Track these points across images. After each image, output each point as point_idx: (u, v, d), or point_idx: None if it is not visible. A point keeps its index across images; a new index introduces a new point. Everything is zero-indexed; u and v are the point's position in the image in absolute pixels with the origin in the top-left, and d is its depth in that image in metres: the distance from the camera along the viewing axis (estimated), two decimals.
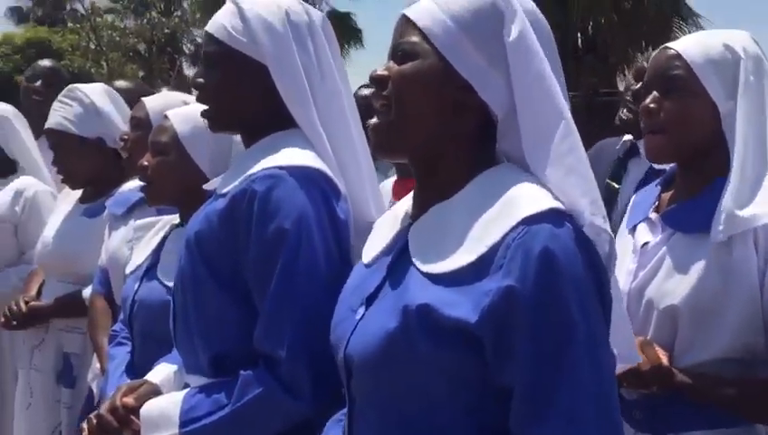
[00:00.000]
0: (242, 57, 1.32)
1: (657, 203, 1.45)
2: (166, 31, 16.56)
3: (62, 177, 2.43)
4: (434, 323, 0.96)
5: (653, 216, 1.42)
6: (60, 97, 2.41)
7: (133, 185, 2.32)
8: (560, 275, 0.92)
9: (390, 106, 1.05)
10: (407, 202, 1.14)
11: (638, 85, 2.00)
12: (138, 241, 1.94)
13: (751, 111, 1.32)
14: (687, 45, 1.38)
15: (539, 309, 0.92)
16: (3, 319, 2.37)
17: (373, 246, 1.15)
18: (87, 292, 2.32)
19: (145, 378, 1.49)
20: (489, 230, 0.97)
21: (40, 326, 2.38)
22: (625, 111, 2.17)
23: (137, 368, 1.76)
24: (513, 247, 0.94)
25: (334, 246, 1.25)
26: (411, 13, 1.06)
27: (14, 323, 2.36)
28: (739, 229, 1.28)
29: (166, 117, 1.78)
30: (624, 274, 1.36)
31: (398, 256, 1.07)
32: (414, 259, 1.03)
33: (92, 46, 15.24)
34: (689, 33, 16.03)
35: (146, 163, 1.76)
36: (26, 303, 2.37)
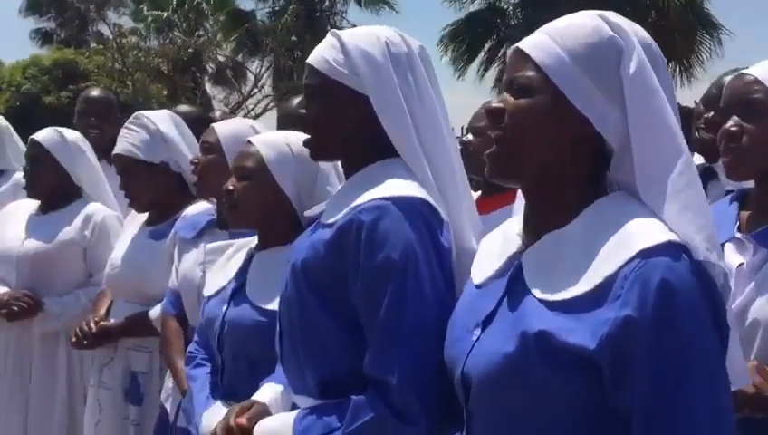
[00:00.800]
0: (343, 88, 1.37)
1: (737, 222, 1.48)
2: (190, 51, 16.76)
3: (129, 200, 2.50)
4: (552, 348, 1.00)
5: (740, 235, 1.44)
6: (127, 123, 2.50)
7: (198, 208, 2.40)
8: (677, 306, 0.95)
9: (507, 138, 1.09)
10: (515, 224, 1.18)
11: (711, 114, 2.04)
12: (211, 264, 1.98)
13: None
14: (763, 71, 1.44)
15: (657, 339, 0.95)
16: (74, 339, 2.44)
17: (484, 266, 1.19)
18: (154, 312, 2.39)
19: (253, 398, 1.53)
20: (605, 261, 1.00)
21: (109, 345, 2.45)
22: (698, 134, 2.21)
23: (226, 388, 1.80)
24: (632, 279, 0.97)
25: (439, 274, 1.28)
26: (527, 47, 1.09)
27: (85, 342, 2.42)
28: None
29: (250, 142, 1.83)
30: None
31: (513, 281, 1.11)
32: (530, 285, 1.07)
33: (118, 66, 15.44)
34: (714, 45, 15.90)
35: (231, 187, 1.81)
36: (96, 323, 2.43)
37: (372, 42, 1.37)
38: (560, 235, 1.08)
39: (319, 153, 1.45)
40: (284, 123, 2.97)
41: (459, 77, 16.32)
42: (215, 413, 1.73)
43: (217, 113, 3.77)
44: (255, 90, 15.86)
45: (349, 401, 1.27)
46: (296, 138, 1.79)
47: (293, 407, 1.41)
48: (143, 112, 2.53)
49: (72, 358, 2.66)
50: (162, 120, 2.50)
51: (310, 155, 1.46)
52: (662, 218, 1.03)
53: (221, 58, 19.43)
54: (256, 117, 15.93)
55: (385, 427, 1.24)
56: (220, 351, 1.82)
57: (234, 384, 1.78)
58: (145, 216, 2.54)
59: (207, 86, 19.37)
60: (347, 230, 1.30)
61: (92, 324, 2.42)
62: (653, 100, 1.04)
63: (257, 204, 1.79)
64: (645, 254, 0.98)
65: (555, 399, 1.01)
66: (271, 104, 16.07)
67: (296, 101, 3.17)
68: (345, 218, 1.32)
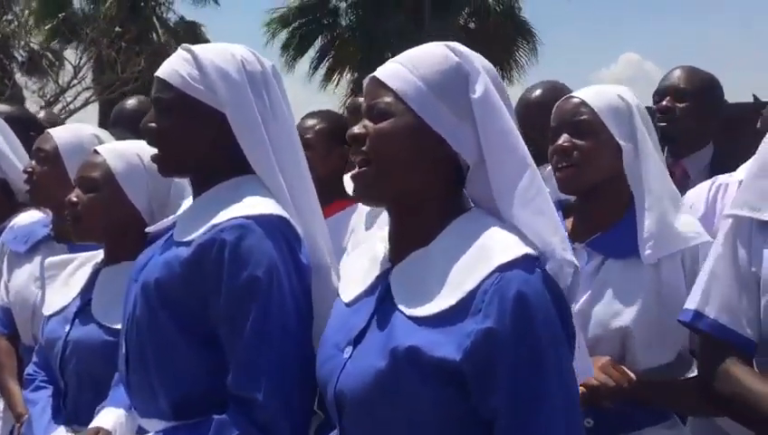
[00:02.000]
0: (197, 104, 1.34)
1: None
2: None
3: None
4: (421, 362, 1.06)
5: (574, 245, 1.55)
6: None
7: (28, 218, 2.24)
8: (533, 315, 1.04)
9: (370, 161, 1.14)
10: (380, 243, 1.23)
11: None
12: (51, 280, 1.87)
13: (649, 151, 1.56)
14: (589, 95, 1.59)
15: (517, 347, 1.03)
16: None
17: (352, 285, 1.23)
18: None
19: (95, 425, 1.47)
20: (467, 276, 1.08)
21: None
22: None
23: (69, 412, 1.72)
24: (491, 293, 1.05)
25: (300, 292, 1.30)
26: (383, 76, 1.17)
27: None
28: (668, 251, 1.49)
29: (96, 152, 1.74)
30: None
31: (382, 299, 1.16)
32: (397, 302, 1.13)
33: None
34: (530, 52, 17.07)
35: (75, 199, 1.71)
36: None
37: (228, 59, 1.36)
38: (424, 253, 1.14)
39: (169, 169, 1.41)
40: (118, 124, 2.85)
41: (288, 72, 16.35)
42: None
43: (39, 112, 3.51)
44: (75, 81, 14.82)
45: (210, 420, 1.26)
46: (146, 149, 1.71)
47: (140, 430, 1.37)
48: None
49: None
50: None
51: (159, 170, 1.41)
52: (517, 230, 1.12)
53: (34, 46, 17.99)
54: (76, 110, 14.93)
55: None
56: (62, 373, 1.73)
57: (78, 408, 1.70)
58: None
59: (18, 76, 17.85)
60: (208, 249, 1.28)
61: None
62: (499, 118, 1.14)
63: (104, 217, 1.71)
64: (502, 268, 1.06)
65: (425, 410, 1.07)
66: (92, 97, 15.11)
67: (130, 101, 3.05)
68: (205, 237, 1.29)
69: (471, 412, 1.07)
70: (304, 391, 1.25)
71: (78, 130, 2.08)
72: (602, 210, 1.58)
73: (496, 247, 1.09)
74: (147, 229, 1.54)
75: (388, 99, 1.14)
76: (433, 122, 1.13)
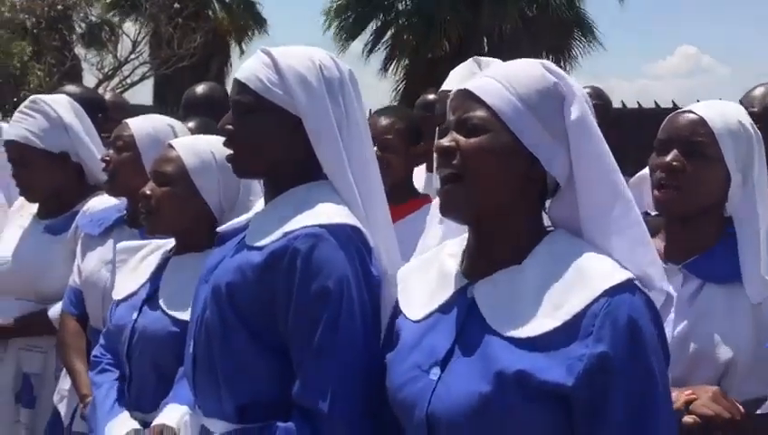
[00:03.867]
0: (275, 108, 1.35)
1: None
2: (59, 8, 15.67)
3: (21, 190, 2.35)
4: (530, 386, 1.05)
5: (668, 266, 1.49)
6: (22, 108, 2.33)
7: (102, 203, 2.28)
8: (644, 340, 1.06)
9: (461, 176, 1.13)
10: (449, 257, 1.22)
11: None
12: (122, 265, 1.92)
13: (760, 182, 1.48)
14: (710, 114, 1.48)
15: (631, 371, 1.05)
16: None
17: (420, 301, 1.21)
18: (54, 311, 2.26)
19: (160, 422, 1.50)
20: (568, 298, 1.08)
21: None
22: None
23: (132, 396, 1.76)
24: (602, 317, 1.05)
25: (369, 304, 1.29)
26: (477, 90, 1.15)
27: None
28: None
29: (171, 146, 1.78)
30: None
31: (466, 317, 1.14)
32: (491, 323, 1.11)
33: None
34: (587, 45, 16.65)
35: (149, 192, 1.75)
36: None
37: (307, 65, 1.36)
38: (514, 271, 1.13)
39: (244, 171, 1.42)
40: (190, 111, 2.90)
41: (340, 53, 16.34)
42: (119, 425, 1.70)
43: (90, 82, 3.57)
44: (132, 56, 15.08)
45: (274, 427, 1.27)
46: (220, 145, 1.74)
47: (203, 429, 1.38)
48: (41, 97, 2.36)
49: None
50: (63, 106, 2.34)
51: (234, 171, 1.42)
52: (609, 255, 1.12)
53: (93, 18, 18.30)
54: (133, 84, 15.19)
55: None
56: (129, 359, 1.77)
57: (141, 394, 1.75)
58: (34, 206, 2.39)
59: (78, 48, 18.21)
60: (279, 256, 1.28)
61: None
62: (594, 142, 1.13)
63: (176, 211, 1.75)
64: (610, 292, 1.06)
65: (530, 433, 1.07)
66: (149, 72, 15.35)
67: (200, 88, 3.09)
68: (277, 244, 1.30)
69: (573, 433, 1.07)
70: (370, 404, 1.25)
71: (155, 121, 2.11)
72: (698, 233, 1.50)
73: (598, 271, 1.09)
74: (217, 229, 1.56)
75: (482, 114, 1.13)
76: (529, 142, 1.12)
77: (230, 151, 1.41)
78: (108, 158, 2.10)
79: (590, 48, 16.02)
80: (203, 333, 1.37)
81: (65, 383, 2.19)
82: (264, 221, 1.37)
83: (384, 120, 2.28)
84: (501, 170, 1.13)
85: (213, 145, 1.77)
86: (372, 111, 2.46)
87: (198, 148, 1.77)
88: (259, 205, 1.47)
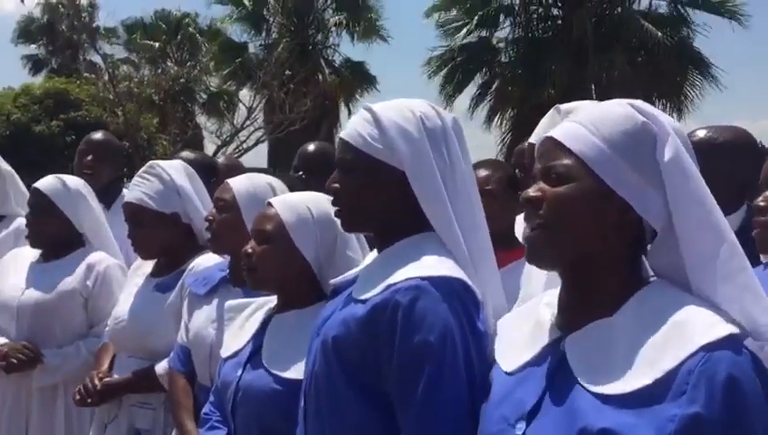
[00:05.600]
0: (379, 164, 1.35)
1: None
2: (182, 81, 16.78)
3: (135, 248, 2.45)
4: None
5: None
6: (141, 172, 2.46)
7: (208, 261, 2.35)
8: (746, 404, 0.96)
9: (547, 225, 1.08)
10: (544, 308, 1.16)
11: None
12: (229, 322, 1.94)
13: None
14: None
15: None
16: (78, 396, 2.36)
17: (514, 351, 1.16)
18: (160, 367, 2.32)
19: None
20: (663, 354, 0.99)
21: (112, 402, 2.37)
22: None
23: None
24: (697, 374, 0.96)
25: (476, 359, 1.25)
26: (560, 136, 1.10)
27: (89, 400, 2.35)
28: None
29: (270, 204, 1.80)
30: None
31: (556, 371, 1.08)
32: (579, 377, 1.04)
33: (109, 96, 15.42)
34: (703, 84, 16.00)
35: (250, 250, 1.78)
36: (100, 379, 2.36)
37: (407, 117, 1.36)
38: (607, 324, 1.06)
39: (351, 226, 1.44)
40: (302, 167, 2.97)
41: (447, 107, 16.48)
42: None
43: (210, 149, 3.72)
44: (248, 122, 15.86)
45: None
46: (316, 200, 1.76)
47: None
48: (158, 162, 2.51)
49: (71, 413, 2.57)
50: (176, 170, 2.47)
51: (342, 226, 1.44)
52: (715, 305, 1.02)
53: (213, 89, 19.45)
54: (248, 149, 15.92)
55: None
56: (233, 416, 1.78)
57: None
58: (149, 265, 2.49)
59: (198, 117, 19.36)
60: (382, 310, 1.27)
61: (96, 381, 2.35)
62: (692, 183, 1.06)
63: (277, 268, 1.76)
64: (708, 348, 0.97)
65: None
66: (263, 136, 16.06)
67: (312, 146, 3.17)
68: (380, 297, 1.29)
69: None
70: None
71: (255, 180, 2.17)
72: None
73: (697, 324, 0.99)
74: (331, 281, 1.57)
75: (567, 161, 1.08)
76: (617, 186, 1.06)
77: (336, 208, 1.42)
78: (211, 217, 2.16)
79: (709, 88, 15.39)
80: (312, 386, 1.37)
81: None
82: (371, 274, 1.37)
83: (481, 172, 2.32)
84: (589, 218, 1.06)
85: (309, 201, 1.79)
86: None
87: (296, 204, 1.78)
88: (370, 258, 1.47)
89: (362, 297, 1.33)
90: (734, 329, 1.00)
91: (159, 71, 18.00)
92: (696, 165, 1.09)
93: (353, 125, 1.40)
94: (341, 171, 1.40)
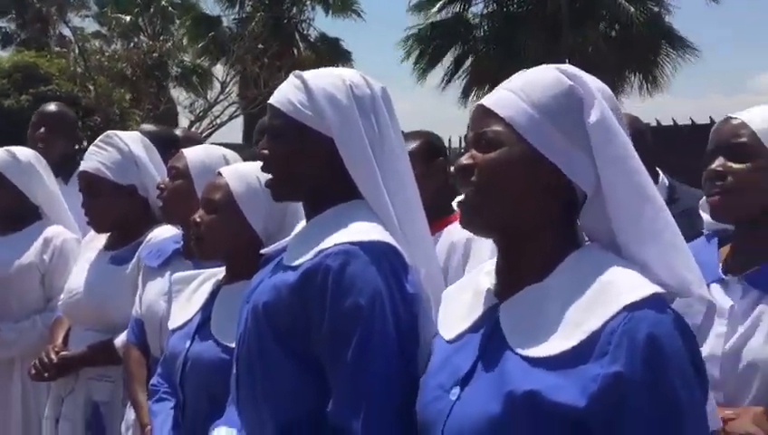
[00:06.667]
0: (308, 130, 1.35)
1: (720, 263, 1.48)
2: (154, 55, 16.53)
3: (89, 219, 2.42)
4: (541, 408, 0.99)
5: (728, 277, 1.44)
6: (97, 142, 2.42)
7: (163, 233, 2.34)
8: (666, 360, 0.96)
9: (478, 191, 1.09)
10: (485, 276, 1.17)
11: None
12: (177, 294, 1.94)
13: None
14: (749, 116, 1.47)
15: (649, 395, 0.95)
16: (34, 371, 2.35)
17: (454, 321, 1.17)
18: (119, 340, 2.31)
19: None
20: (588, 315, 1.00)
21: (69, 375, 2.36)
22: None
23: (187, 426, 1.77)
24: (619, 334, 0.97)
25: (405, 321, 1.26)
26: (490, 103, 1.11)
27: (46, 374, 2.33)
28: None
29: (219, 174, 1.79)
30: (713, 337, 1.38)
31: (490, 336, 1.09)
32: (510, 341, 1.06)
33: (80, 71, 15.15)
34: (677, 59, 16.11)
35: (198, 219, 1.77)
36: (57, 353, 2.34)
37: (337, 84, 1.36)
38: (538, 289, 1.07)
39: (281, 194, 1.43)
40: (262, 137, 2.95)
41: (419, 81, 16.43)
42: None
43: (184, 124, 3.69)
44: (222, 97, 15.69)
45: None
46: None
47: None
48: (115, 132, 2.46)
49: (27, 387, 2.56)
50: (134, 141, 2.43)
51: (272, 195, 1.43)
52: (642, 266, 1.03)
53: (186, 63, 19.18)
54: (222, 124, 15.77)
55: None
56: (182, 387, 1.78)
57: (195, 422, 1.75)
58: (103, 238, 2.46)
59: (172, 91, 19.10)
60: (312, 274, 1.28)
61: (53, 355, 2.33)
62: (617, 144, 1.06)
63: (224, 238, 1.76)
64: (630, 308, 0.98)
65: None
66: (237, 111, 15.92)
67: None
68: (311, 262, 1.29)
69: None
70: (406, 423, 1.20)
71: (209, 151, 2.16)
72: (761, 241, 1.43)
73: (622, 286, 1.01)
74: (262, 251, 1.57)
75: (497, 127, 1.08)
76: (547, 150, 1.06)
77: (269, 176, 1.41)
78: (163, 185, 2.14)
79: (682, 63, 15.45)
80: (244, 353, 1.38)
81: (131, 413, 2.22)
82: (301, 241, 1.37)
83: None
84: (518, 183, 1.07)
85: (259, 171, 1.76)
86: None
87: (245, 174, 1.78)
88: (300, 226, 1.47)
89: (293, 263, 1.33)
90: (657, 289, 1.01)
91: (131, 45, 17.72)
92: (624, 128, 1.09)
93: (283, 91, 1.38)
94: (270, 137, 1.39)
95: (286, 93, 1.38)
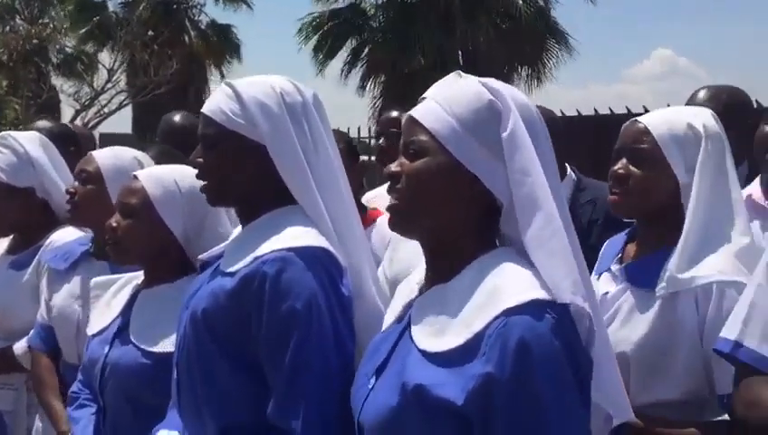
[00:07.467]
0: (239, 138, 1.38)
1: (621, 255, 1.63)
2: (34, 41, 15.63)
3: None
4: (427, 402, 1.07)
5: (615, 267, 1.59)
6: None
7: (66, 236, 2.28)
8: (534, 363, 1.02)
9: (404, 197, 1.17)
10: (418, 274, 1.25)
11: None
12: (96, 300, 1.90)
13: (705, 186, 1.51)
14: (655, 122, 1.55)
15: (513, 397, 1.03)
16: None
17: (390, 312, 1.26)
18: (19, 347, 2.24)
19: None
20: (477, 316, 1.08)
21: None
22: None
23: (108, 430, 1.75)
24: (494, 336, 1.05)
25: (341, 323, 1.32)
26: (418, 114, 1.18)
27: None
28: (680, 288, 1.47)
29: (135, 178, 1.77)
30: None
31: (403, 330, 1.19)
32: (413, 336, 1.15)
33: None
34: (560, 52, 16.75)
35: (114, 224, 1.75)
36: None
37: (268, 92, 1.39)
38: (443, 288, 1.16)
39: (216, 200, 1.46)
40: (167, 139, 2.91)
41: (319, 71, 16.38)
42: None
43: (67, 112, 3.56)
44: (109, 85, 15.05)
45: None
46: (184, 174, 1.75)
47: None
48: (10, 133, 2.38)
49: None
50: (31, 142, 2.35)
51: (208, 201, 1.46)
52: (536, 270, 1.10)
53: (69, 49, 18.25)
54: (110, 113, 15.15)
55: None
56: (102, 393, 1.77)
57: (116, 427, 1.74)
58: (3, 243, 2.38)
59: (54, 79, 18.14)
60: (250, 281, 1.31)
61: None
62: (522, 155, 1.12)
63: (142, 242, 1.75)
64: (508, 312, 1.05)
65: None
66: (126, 100, 15.33)
67: (177, 116, 3.10)
68: (248, 269, 1.33)
69: None
70: (345, 423, 1.26)
71: (120, 153, 2.12)
72: (653, 237, 1.56)
73: (506, 290, 1.09)
74: (199, 256, 1.58)
75: (423, 137, 1.16)
76: (466, 161, 1.14)
77: (203, 183, 1.44)
78: (73, 190, 2.09)
79: (566, 56, 16.16)
80: (184, 358, 1.40)
81: (39, 421, 2.17)
82: (237, 247, 1.40)
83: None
84: (440, 190, 1.15)
85: (177, 174, 1.77)
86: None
87: (162, 177, 1.77)
88: (237, 232, 1.50)
89: (230, 270, 1.36)
90: (539, 295, 1.06)
91: (8, 29, 16.68)
92: (544, 136, 1.16)
93: (215, 101, 1.41)
94: (205, 146, 1.42)
95: (218, 102, 1.40)
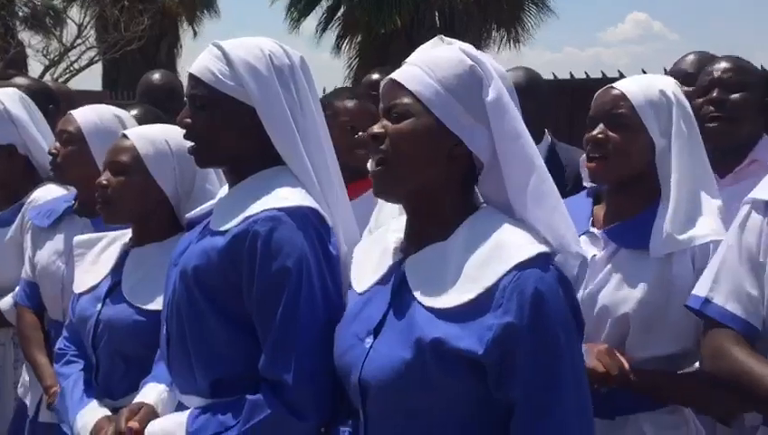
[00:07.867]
0: (229, 100, 1.39)
1: (591, 218, 1.67)
2: None
3: None
4: (445, 354, 1.14)
5: (595, 230, 1.63)
6: None
7: (49, 193, 2.28)
8: (549, 311, 1.13)
9: (389, 159, 1.21)
10: (392, 234, 1.30)
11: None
12: (80, 258, 1.91)
13: (683, 148, 1.57)
14: (631, 88, 1.60)
15: (533, 338, 1.12)
16: None
17: (364, 274, 1.30)
18: (4, 303, 2.27)
19: (138, 400, 1.54)
20: (484, 272, 1.16)
21: None
22: None
23: (101, 386, 1.78)
24: (510, 289, 1.13)
25: (329, 281, 1.36)
26: (401, 78, 1.23)
27: None
28: (678, 248, 1.53)
29: (125, 136, 1.78)
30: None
31: (397, 289, 1.23)
32: (416, 294, 1.20)
33: None
34: (539, 17, 16.65)
35: (105, 182, 1.75)
36: None
37: (256, 54, 1.40)
38: (441, 247, 1.21)
39: (205, 161, 1.47)
40: (146, 98, 2.89)
41: (293, 30, 16.15)
42: (90, 413, 1.72)
43: (36, 68, 3.49)
44: (79, 41, 14.70)
45: (244, 400, 1.33)
46: (174, 133, 1.76)
47: (180, 406, 1.44)
48: None
49: None
50: (10, 99, 2.34)
51: (196, 162, 1.46)
52: (530, 226, 1.19)
53: (36, 3, 17.75)
54: (80, 69, 14.83)
55: (281, 423, 1.31)
56: (94, 349, 1.78)
57: (109, 383, 1.77)
58: None
59: (22, 34, 17.65)
60: (241, 239, 1.34)
61: None
62: (511, 120, 1.20)
63: (133, 200, 1.75)
64: (520, 266, 1.14)
65: (449, 397, 1.16)
66: (96, 57, 15.00)
67: (156, 75, 3.08)
68: (239, 228, 1.35)
69: (491, 399, 1.15)
70: (333, 376, 1.31)
71: (100, 111, 2.11)
72: (628, 201, 1.61)
73: (512, 245, 1.16)
74: (187, 215, 1.60)
75: (406, 100, 1.20)
76: (450, 123, 1.19)
77: (191, 144, 1.45)
78: (55, 151, 2.08)
79: (543, 19, 16.12)
80: (174, 315, 1.43)
81: (26, 375, 2.20)
82: (227, 207, 1.42)
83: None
84: (425, 152, 1.20)
85: (167, 133, 1.77)
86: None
87: (153, 137, 1.77)
88: (223, 191, 1.51)
89: (221, 229, 1.38)
90: (542, 248, 1.16)
91: None
92: (516, 105, 1.23)
93: (203, 61, 1.41)
94: (193, 107, 1.42)
95: (206, 63, 1.40)
